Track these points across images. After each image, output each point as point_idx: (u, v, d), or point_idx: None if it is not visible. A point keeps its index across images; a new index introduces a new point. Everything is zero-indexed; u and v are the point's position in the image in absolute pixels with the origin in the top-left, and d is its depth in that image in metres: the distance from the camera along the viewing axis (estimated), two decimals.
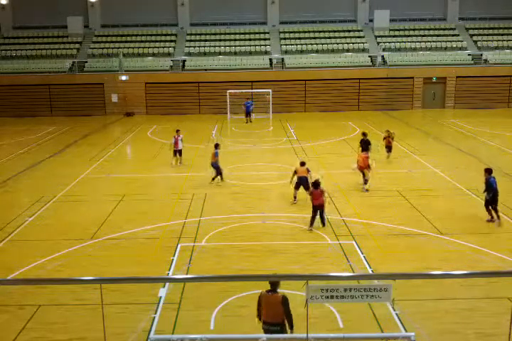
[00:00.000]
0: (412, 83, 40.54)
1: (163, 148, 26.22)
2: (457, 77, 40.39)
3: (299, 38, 44.29)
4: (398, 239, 14.20)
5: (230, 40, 44.35)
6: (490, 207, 15.09)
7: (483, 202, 15.34)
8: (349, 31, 45.13)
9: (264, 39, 44.57)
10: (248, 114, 35.69)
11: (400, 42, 43.22)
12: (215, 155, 19.61)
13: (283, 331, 8.44)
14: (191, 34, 45.13)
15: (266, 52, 42.92)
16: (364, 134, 21.81)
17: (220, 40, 44.38)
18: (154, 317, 10.27)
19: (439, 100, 41.17)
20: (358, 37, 44.37)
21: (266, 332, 8.52)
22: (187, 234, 14.73)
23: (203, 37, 44.79)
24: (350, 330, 9.59)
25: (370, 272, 12.14)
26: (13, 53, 43.00)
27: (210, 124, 35.33)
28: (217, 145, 20.12)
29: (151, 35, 45.02)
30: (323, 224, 14.94)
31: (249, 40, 44.40)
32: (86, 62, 41.90)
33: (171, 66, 41.67)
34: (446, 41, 43.07)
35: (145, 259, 13.02)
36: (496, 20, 45.63)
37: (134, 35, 44.88)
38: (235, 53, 42.95)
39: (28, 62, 41.96)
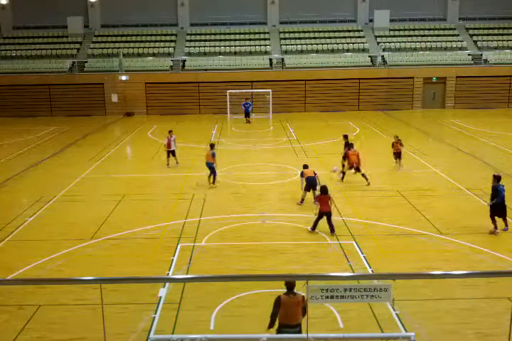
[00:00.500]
0: (412, 83, 40.55)
1: (163, 148, 26.18)
2: (457, 77, 40.40)
3: (299, 38, 44.30)
4: (398, 239, 14.20)
5: (230, 40, 44.35)
6: (496, 217, 14.24)
7: (489, 212, 14.36)
8: (349, 31, 45.14)
9: (264, 39, 44.58)
10: (247, 114, 35.70)
11: (400, 42, 43.23)
12: (213, 155, 19.30)
13: (301, 332, 8.34)
14: (191, 34, 45.14)
15: (266, 52, 42.92)
16: (345, 136, 21.49)
17: (220, 40, 44.39)
18: (154, 317, 10.26)
19: (439, 100, 41.18)
20: (358, 37, 44.37)
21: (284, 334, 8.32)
22: (187, 234, 14.73)
23: (203, 37, 44.80)
24: (350, 330, 9.59)
25: (370, 272, 12.14)
26: (13, 53, 43.01)
27: (210, 124, 35.34)
28: (212, 146, 19.92)
29: (151, 35, 45.03)
30: (332, 230, 14.43)
31: (249, 40, 44.41)
32: (86, 62, 41.90)
33: (171, 66, 41.68)
34: (446, 41, 43.07)
35: (145, 259, 13.02)
36: (496, 20, 45.65)
37: (134, 35, 44.90)
38: (235, 53, 42.96)
39: (28, 62, 41.96)
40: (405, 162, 22.87)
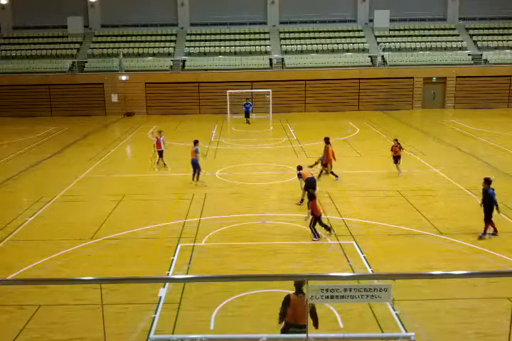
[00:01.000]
0: (412, 83, 40.55)
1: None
2: (457, 77, 40.40)
3: (299, 38, 44.30)
4: (398, 239, 14.20)
5: (230, 40, 44.35)
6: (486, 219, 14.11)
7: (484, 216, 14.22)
8: (349, 31, 45.13)
9: (264, 39, 44.58)
10: (247, 114, 35.69)
11: (400, 42, 43.23)
12: (196, 151, 19.69)
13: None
14: (191, 34, 45.14)
15: (266, 52, 42.93)
16: (326, 139, 21.42)
17: (220, 40, 44.39)
18: (154, 317, 10.26)
19: (439, 100, 41.18)
20: (358, 37, 44.37)
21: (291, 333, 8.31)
22: (187, 234, 14.73)
23: (203, 37, 44.80)
24: (350, 330, 9.59)
25: (370, 272, 12.14)
26: (13, 53, 43.02)
27: (210, 124, 35.34)
28: (196, 142, 20.13)
29: (151, 35, 45.03)
30: (329, 229, 14.38)
31: (249, 40, 44.41)
32: (86, 62, 41.91)
33: (171, 66, 41.68)
34: (446, 41, 43.07)
35: (145, 259, 13.02)
36: (496, 20, 45.65)
37: (134, 35, 44.90)
38: (235, 53, 42.96)
39: (28, 62, 41.95)
40: (405, 162, 22.83)
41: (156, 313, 10.42)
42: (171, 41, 44.40)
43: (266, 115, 37.82)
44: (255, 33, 45.24)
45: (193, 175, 19.83)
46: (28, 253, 13.49)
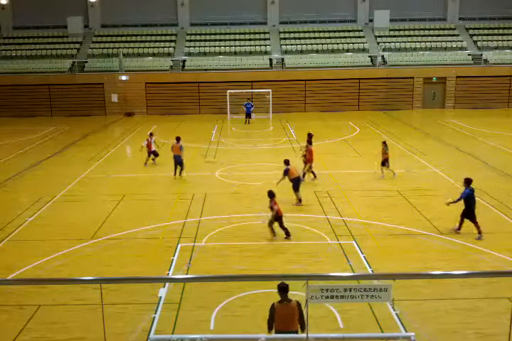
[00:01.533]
0: (412, 83, 40.55)
1: (162, 148, 26.20)
2: (457, 77, 40.40)
3: (299, 38, 44.29)
4: (398, 239, 14.20)
5: (230, 40, 44.35)
6: (465, 219, 14.23)
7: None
8: (349, 31, 45.13)
9: (264, 39, 44.57)
10: (248, 115, 35.68)
11: (400, 42, 43.22)
12: (181, 148, 20.56)
13: None
14: (191, 34, 45.13)
15: (266, 52, 42.93)
16: (310, 135, 21.29)
17: (220, 40, 44.38)
18: (154, 317, 10.27)
19: (439, 100, 41.17)
20: (358, 37, 44.37)
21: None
22: (187, 234, 14.73)
23: (203, 37, 44.79)
24: (350, 330, 9.59)
25: (370, 272, 12.14)
26: (13, 53, 43.01)
27: (210, 124, 35.34)
28: (179, 139, 20.93)
29: (151, 35, 45.02)
30: (288, 234, 14.27)
31: (249, 40, 44.41)
32: (86, 62, 41.90)
33: (171, 66, 41.68)
34: (446, 41, 43.07)
35: (145, 259, 13.02)
36: (495, 20, 45.66)
37: (134, 35, 44.89)
38: (235, 53, 42.96)
39: (28, 62, 41.96)
40: (405, 162, 22.87)
41: (156, 313, 10.42)
42: (171, 41, 44.40)
43: (266, 115, 37.81)
44: (255, 33, 45.23)
45: (175, 170, 20.74)
46: (28, 253, 13.49)
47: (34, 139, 30.51)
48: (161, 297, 11.01)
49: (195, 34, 45.15)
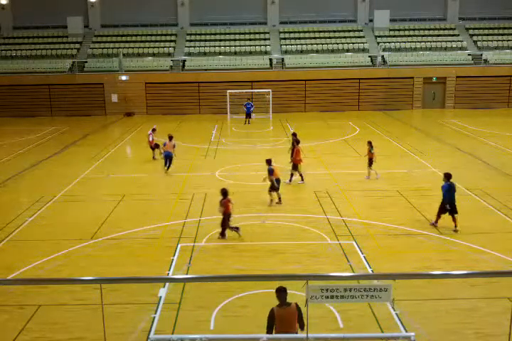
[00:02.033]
0: (412, 83, 40.55)
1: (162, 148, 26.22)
2: (457, 77, 40.40)
3: (299, 38, 44.30)
4: (398, 239, 14.20)
5: (230, 40, 44.35)
6: (443, 213, 14.60)
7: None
8: (349, 31, 45.13)
9: (264, 39, 44.58)
10: (248, 115, 35.68)
11: (400, 42, 43.23)
12: (174, 146, 21.66)
13: None
14: (191, 34, 45.14)
15: (266, 52, 42.92)
16: (294, 134, 21.36)
17: (220, 40, 44.38)
18: (154, 317, 10.27)
19: (439, 100, 41.17)
20: (358, 37, 44.37)
21: None
22: (187, 234, 14.73)
23: (203, 37, 44.80)
24: (350, 330, 9.59)
25: (370, 272, 12.14)
26: (13, 53, 43.01)
27: (210, 124, 35.34)
28: (171, 137, 21.89)
29: (151, 35, 45.02)
30: (223, 235, 14.28)
31: (249, 40, 44.41)
32: (86, 62, 41.91)
33: (171, 66, 41.67)
34: (446, 41, 43.07)
35: (145, 259, 13.02)
36: (496, 20, 45.66)
37: (134, 35, 44.90)
38: (235, 53, 42.96)
39: (28, 62, 41.95)
40: (405, 162, 22.87)
41: (156, 313, 10.42)
42: (171, 41, 44.40)
43: (266, 115, 37.81)
44: (255, 33, 45.24)
45: (165, 164, 21.57)
46: (28, 253, 13.49)
47: (34, 139, 30.51)
48: (161, 297, 11.01)
49: (195, 34, 45.16)
